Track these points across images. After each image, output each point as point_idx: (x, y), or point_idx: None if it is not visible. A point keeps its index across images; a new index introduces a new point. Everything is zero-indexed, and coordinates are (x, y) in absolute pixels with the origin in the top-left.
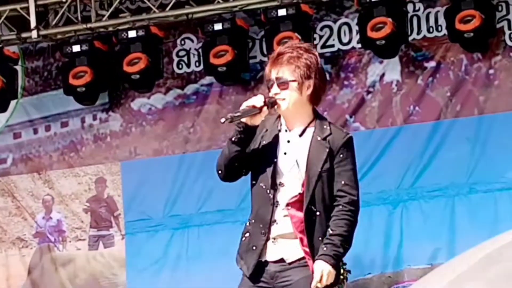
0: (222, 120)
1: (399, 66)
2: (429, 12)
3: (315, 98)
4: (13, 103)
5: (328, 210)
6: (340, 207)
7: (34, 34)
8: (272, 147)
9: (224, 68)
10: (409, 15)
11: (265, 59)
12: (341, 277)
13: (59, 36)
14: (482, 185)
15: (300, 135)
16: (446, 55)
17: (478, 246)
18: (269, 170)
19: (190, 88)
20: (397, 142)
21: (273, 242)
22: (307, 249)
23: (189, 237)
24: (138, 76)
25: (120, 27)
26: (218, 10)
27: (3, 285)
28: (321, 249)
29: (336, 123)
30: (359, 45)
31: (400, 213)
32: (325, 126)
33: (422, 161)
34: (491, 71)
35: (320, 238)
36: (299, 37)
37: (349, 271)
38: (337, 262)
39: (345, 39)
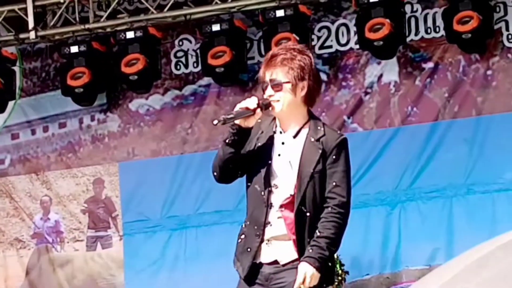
0: (215, 122)
1: (397, 67)
2: (427, 13)
3: (309, 100)
4: (11, 104)
5: (320, 212)
6: (329, 209)
7: (32, 35)
8: (267, 148)
9: (222, 69)
10: (407, 16)
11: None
12: (339, 278)
13: (57, 37)
14: (480, 186)
15: (294, 137)
16: (444, 56)
17: (476, 247)
18: (264, 172)
19: (188, 89)
20: (395, 143)
21: (267, 244)
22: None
23: (187, 238)
24: (136, 77)
25: (118, 28)
26: (216, 11)
27: (1, 285)
28: (307, 251)
29: (334, 124)
30: (357, 46)
31: (398, 214)
32: (319, 128)
33: (420, 162)
34: (489, 72)
35: (309, 240)
36: (297, 38)
37: (347, 272)
38: (322, 265)
39: (343, 40)
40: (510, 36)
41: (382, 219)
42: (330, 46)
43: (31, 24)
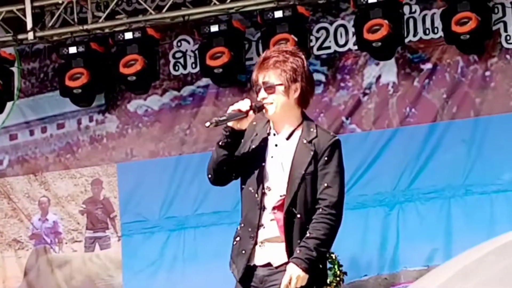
0: (207, 124)
1: (395, 68)
2: (425, 14)
3: (302, 101)
4: (9, 104)
5: (310, 213)
6: (320, 210)
7: (30, 35)
8: (261, 151)
9: (221, 70)
10: (405, 17)
11: None
12: (337, 278)
13: (55, 38)
14: (478, 187)
15: (287, 138)
16: (442, 57)
17: (475, 248)
18: (257, 174)
19: (186, 90)
20: (394, 144)
21: (260, 246)
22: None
23: (185, 239)
24: (134, 77)
25: (117, 29)
26: (215, 12)
27: (0, 286)
28: (295, 252)
29: (332, 125)
30: (356, 47)
31: (396, 214)
32: (311, 129)
33: (418, 163)
34: (487, 73)
35: (299, 241)
36: (296, 39)
37: (345, 273)
38: (309, 266)
39: (341, 41)
40: (508, 37)
41: (381, 220)
42: (329, 47)
43: (29, 25)
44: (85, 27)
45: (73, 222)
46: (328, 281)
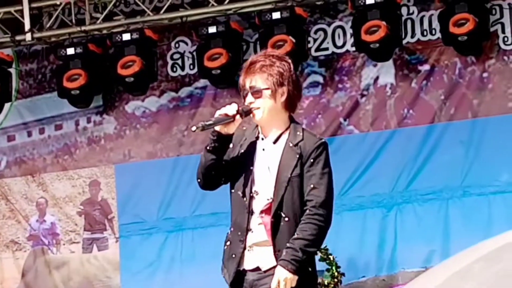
0: (193, 128)
1: (393, 69)
2: (423, 16)
3: (289, 105)
4: (7, 105)
5: (299, 216)
6: (307, 211)
7: (28, 36)
8: (249, 155)
9: (218, 71)
10: (403, 18)
11: None
12: (335, 280)
13: (53, 39)
14: (476, 188)
15: (275, 142)
16: (440, 59)
17: (472, 248)
18: (245, 178)
19: (184, 91)
20: (391, 145)
21: (249, 250)
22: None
23: (183, 240)
24: (132, 79)
25: (115, 30)
26: (213, 13)
27: None
28: (282, 254)
29: (330, 126)
30: (353, 48)
31: (394, 216)
32: (298, 133)
33: (416, 164)
34: (485, 75)
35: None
36: (293, 40)
37: (343, 274)
38: (297, 267)
39: (339, 42)
40: (506, 39)
41: (378, 221)
42: (327, 49)
43: (27, 26)
44: (83, 28)
45: (71, 223)
46: (326, 282)
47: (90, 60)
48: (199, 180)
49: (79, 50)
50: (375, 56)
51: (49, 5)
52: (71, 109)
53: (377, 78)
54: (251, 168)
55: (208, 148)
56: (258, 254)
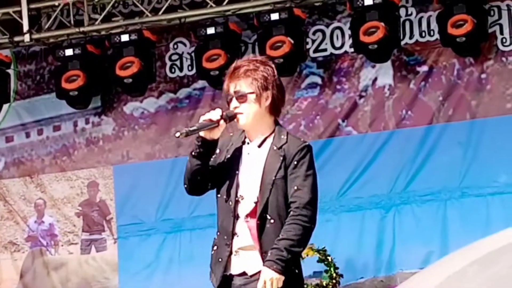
0: (177, 134)
1: (392, 70)
2: (422, 17)
3: (274, 109)
4: (5, 106)
5: (284, 218)
6: (291, 212)
7: (26, 37)
8: (235, 160)
9: (217, 72)
10: (402, 19)
11: None
12: (333, 281)
13: (51, 40)
14: (474, 189)
15: (259, 146)
16: (438, 60)
17: (468, 247)
18: (231, 183)
19: (182, 92)
20: (390, 146)
21: (235, 255)
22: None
23: (181, 241)
24: (130, 80)
25: (113, 31)
26: (211, 14)
27: None
28: (267, 255)
29: (328, 127)
30: (352, 50)
31: (392, 217)
32: (282, 136)
33: (414, 165)
34: (483, 76)
35: None
36: (292, 41)
37: (341, 275)
38: (283, 267)
39: (337, 44)
40: (504, 40)
41: (377, 222)
42: (325, 50)
43: (25, 27)
44: (82, 29)
45: (69, 224)
46: (324, 283)
47: (89, 61)
48: (185, 186)
49: (77, 51)
50: (373, 57)
51: (48, 6)
52: (70, 110)
53: (375, 79)
54: (237, 172)
55: (193, 153)
56: (245, 259)
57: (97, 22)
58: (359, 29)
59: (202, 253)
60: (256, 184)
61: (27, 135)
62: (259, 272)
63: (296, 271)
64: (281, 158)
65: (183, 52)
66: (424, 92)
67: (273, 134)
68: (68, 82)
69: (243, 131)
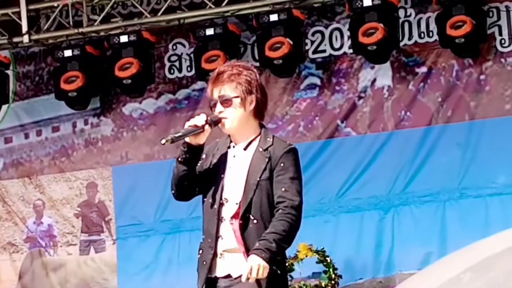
0: (163, 141)
1: (391, 71)
2: (421, 18)
3: (258, 113)
4: (4, 107)
5: (267, 219)
6: (280, 210)
7: (25, 38)
8: (221, 164)
9: None
10: (401, 20)
11: (257, 64)
12: (332, 282)
13: (50, 41)
14: (473, 190)
15: (245, 149)
16: (437, 61)
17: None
18: (216, 187)
19: (181, 93)
20: (388, 147)
21: (220, 258)
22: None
23: (180, 242)
24: (129, 81)
25: (112, 32)
26: (210, 15)
27: None
28: (254, 246)
29: (327, 128)
30: (351, 51)
31: (391, 218)
32: (268, 139)
33: (413, 167)
34: (482, 77)
35: None
36: (291, 42)
37: (340, 276)
38: (270, 256)
39: (336, 45)
40: (503, 41)
41: (376, 223)
42: (324, 51)
43: (24, 28)
44: (81, 30)
45: (68, 225)
46: (323, 284)
47: (88, 62)
48: (173, 192)
49: (76, 52)
50: (372, 58)
51: (47, 7)
52: (69, 111)
53: (374, 80)
54: (222, 176)
55: (179, 159)
56: (229, 261)
57: (96, 23)
58: (358, 30)
59: None
60: (240, 185)
61: (26, 136)
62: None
63: (279, 271)
64: (267, 160)
65: (182, 53)
66: (423, 93)
67: (259, 137)
68: (67, 83)
69: (229, 136)
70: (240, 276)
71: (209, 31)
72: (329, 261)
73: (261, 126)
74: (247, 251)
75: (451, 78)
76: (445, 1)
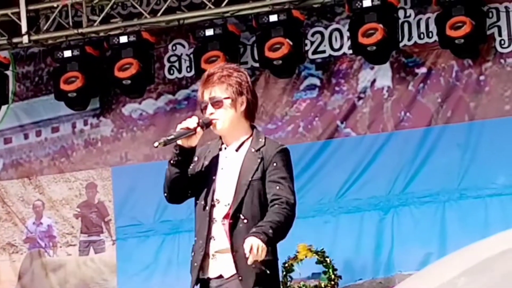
0: (156, 144)
1: (390, 72)
2: (420, 19)
3: (249, 114)
4: (3, 108)
5: (258, 219)
6: (276, 205)
7: (25, 39)
8: (213, 166)
9: None
10: (400, 21)
11: (257, 64)
12: (331, 282)
13: (50, 41)
14: (473, 191)
15: (237, 150)
16: (437, 61)
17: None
18: (208, 189)
19: (181, 94)
20: (388, 148)
21: (212, 258)
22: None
23: (180, 243)
24: (129, 81)
25: (112, 33)
26: (210, 16)
27: None
28: (237, 254)
29: (327, 129)
30: (350, 51)
31: (391, 218)
32: (260, 139)
33: (413, 167)
34: (481, 78)
35: None
36: (290, 43)
37: (340, 277)
38: (267, 239)
39: (336, 45)
40: (502, 42)
41: (375, 223)
42: (323, 51)
43: (24, 29)
44: (80, 30)
45: (67, 226)
46: (323, 285)
47: (87, 63)
48: (165, 194)
49: (76, 52)
50: (372, 59)
51: (46, 7)
52: (68, 112)
53: (374, 81)
54: (214, 178)
55: (171, 162)
56: (221, 262)
57: (95, 24)
58: (357, 30)
59: None
60: (232, 186)
61: (26, 137)
62: (235, 274)
63: (268, 272)
64: (259, 160)
65: (181, 54)
66: (422, 94)
67: (250, 138)
68: (67, 83)
69: (220, 138)
70: (231, 276)
71: (209, 32)
72: (328, 261)
73: (252, 127)
74: (234, 249)
75: (451, 79)
76: (445, 2)
